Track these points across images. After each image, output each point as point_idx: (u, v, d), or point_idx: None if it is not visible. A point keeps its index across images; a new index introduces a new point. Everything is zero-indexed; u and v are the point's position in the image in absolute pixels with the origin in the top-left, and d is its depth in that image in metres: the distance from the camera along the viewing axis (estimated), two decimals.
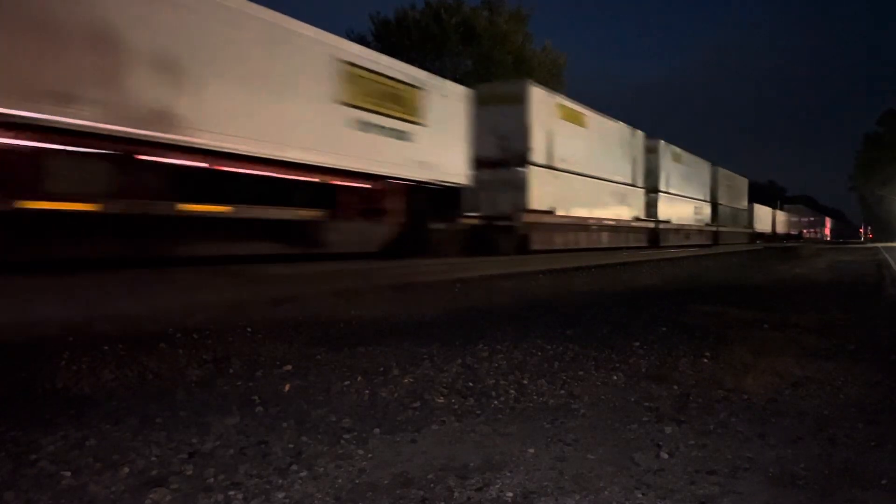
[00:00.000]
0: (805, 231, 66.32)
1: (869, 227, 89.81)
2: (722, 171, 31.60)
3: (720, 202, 31.93)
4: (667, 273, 12.66)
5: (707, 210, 30.41)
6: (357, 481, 2.10)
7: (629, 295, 8.38)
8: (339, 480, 2.11)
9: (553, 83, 31.08)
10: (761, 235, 41.29)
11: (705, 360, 4.01)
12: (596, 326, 5.25)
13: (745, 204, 37.38)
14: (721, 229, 31.87)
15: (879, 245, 44.76)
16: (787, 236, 53.42)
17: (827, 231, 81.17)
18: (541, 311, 6.34)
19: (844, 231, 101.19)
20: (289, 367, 3.64)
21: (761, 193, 60.72)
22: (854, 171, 70.25)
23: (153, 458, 2.24)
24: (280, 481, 2.08)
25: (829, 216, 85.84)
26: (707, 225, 30.04)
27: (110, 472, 2.10)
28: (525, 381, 3.41)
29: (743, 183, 36.40)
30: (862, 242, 65.46)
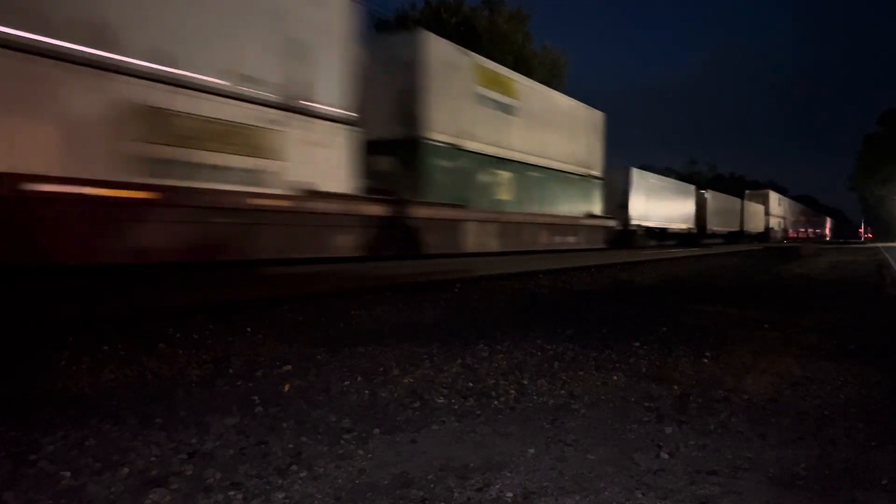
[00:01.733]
0: (775, 228, 46.33)
1: (869, 228, 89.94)
2: (472, 61, 10.26)
3: (443, 141, 9.29)
4: (667, 273, 12.66)
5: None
6: (357, 481, 2.10)
7: (629, 295, 8.38)
8: (339, 480, 2.11)
9: (554, 83, 31.04)
10: (661, 233, 23.07)
11: (705, 361, 4.01)
12: (596, 326, 5.25)
13: (593, 167, 14.71)
14: (442, 216, 9.08)
15: (880, 245, 44.69)
16: (738, 235, 35.40)
17: (827, 231, 79.38)
18: (541, 311, 6.34)
19: (844, 231, 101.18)
20: (289, 367, 3.64)
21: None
22: (854, 171, 70.38)
23: (153, 458, 2.24)
24: (280, 481, 2.08)
25: (829, 216, 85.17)
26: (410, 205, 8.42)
27: (110, 472, 2.10)
28: (525, 381, 3.41)
29: (584, 117, 14.64)
30: (862, 242, 65.30)
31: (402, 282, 8.22)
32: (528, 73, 29.57)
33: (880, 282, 11.39)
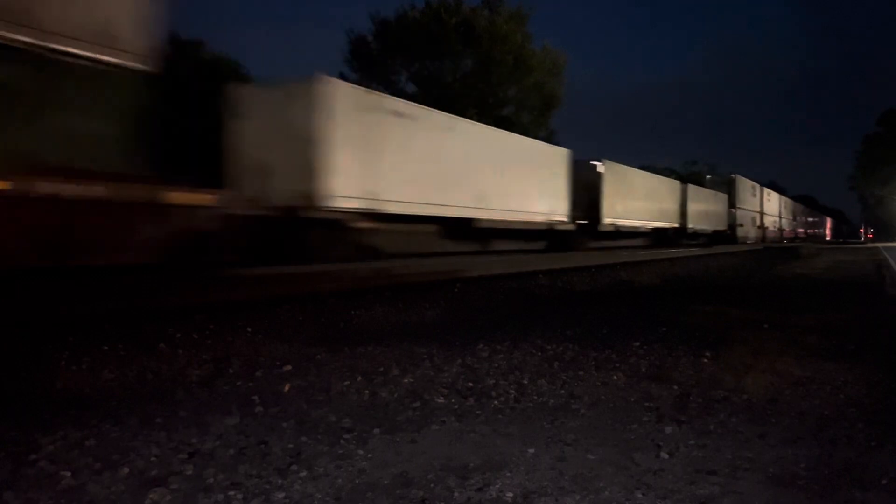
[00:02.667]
0: (747, 226, 34.78)
1: (869, 228, 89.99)
2: None
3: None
4: (667, 273, 12.66)
5: None
6: (357, 481, 2.10)
7: (629, 295, 8.38)
8: (339, 480, 2.11)
9: (553, 83, 31.05)
10: (465, 230, 12.98)
11: (705, 360, 4.01)
12: (596, 326, 5.25)
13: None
14: None
15: (879, 245, 44.59)
16: (678, 233, 25.29)
17: (827, 231, 79.12)
18: (541, 311, 6.34)
19: (844, 231, 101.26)
20: (289, 367, 3.64)
21: None
22: (854, 171, 70.43)
23: (153, 458, 2.24)
24: (280, 481, 2.08)
25: (829, 216, 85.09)
26: None
27: (110, 472, 2.10)
28: (525, 381, 3.41)
29: None
30: (862, 242, 65.23)
31: (402, 282, 8.23)
32: (527, 72, 29.39)
33: (880, 282, 11.39)
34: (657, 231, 23.51)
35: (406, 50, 29.44)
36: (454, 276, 9.14)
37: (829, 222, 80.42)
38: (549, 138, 26.32)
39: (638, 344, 4.45)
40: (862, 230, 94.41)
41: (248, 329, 4.76)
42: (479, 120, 14.98)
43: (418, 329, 5.05)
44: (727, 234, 31.31)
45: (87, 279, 5.47)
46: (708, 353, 4.19)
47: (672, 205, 25.13)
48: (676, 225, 25.29)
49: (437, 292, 7.54)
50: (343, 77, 25.49)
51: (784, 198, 49.76)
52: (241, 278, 7.44)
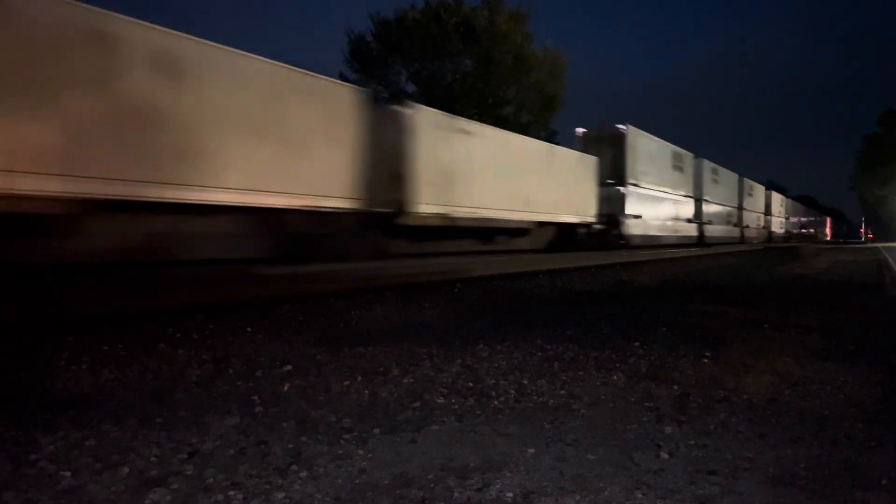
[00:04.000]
0: (647, 219, 18.26)
1: (869, 228, 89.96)
2: None
3: None
4: (667, 273, 12.65)
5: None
6: (357, 481, 2.10)
7: (629, 295, 8.38)
8: (339, 480, 2.11)
9: (553, 83, 31.02)
10: None
11: (705, 361, 4.01)
12: (596, 326, 5.25)
13: None
14: None
15: (880, 245, 44.54)
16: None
17: (827, 231, 78.67)
18: (540, 311, 6.34)
19: (844, 231, 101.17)
20: (289, 367, 3.64)
21: None
22: (854, 171, 70.52)
23: (153, 458, 2.24)
24: (280, 481, 2.08)
25: (829, 216, 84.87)
26: None
27: (110, 472, 2.10)
28: (525, 381, 3.41)
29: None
30: (862, 242, 65.16)
31: (402, 282, 8.22)
32: (527, 72, 29.37)
33: (880, 282, 11.39)
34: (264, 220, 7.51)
35: (406, 50, 29.43)
36: (454, 277, 9.15)
37: (828, 222, 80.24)
38: (551, 139, 26.25)
39: (638, 344, 4.45)
40: (862, 230, 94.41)
41: (248, 329, 4.76)
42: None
43: (418, 329, 5.05)
44: (602, 231, 16.54)
45: (87, 279, 5.47)
46: (708, 353, 4.19)
47: (359, 156, 8.63)
48: (349, 205, 8.47)
49: (437, 292, 7.54)
50: (343, 77, 25.50)
51: (752, 182, 33.13)
52: (242, 278, 7.43)
